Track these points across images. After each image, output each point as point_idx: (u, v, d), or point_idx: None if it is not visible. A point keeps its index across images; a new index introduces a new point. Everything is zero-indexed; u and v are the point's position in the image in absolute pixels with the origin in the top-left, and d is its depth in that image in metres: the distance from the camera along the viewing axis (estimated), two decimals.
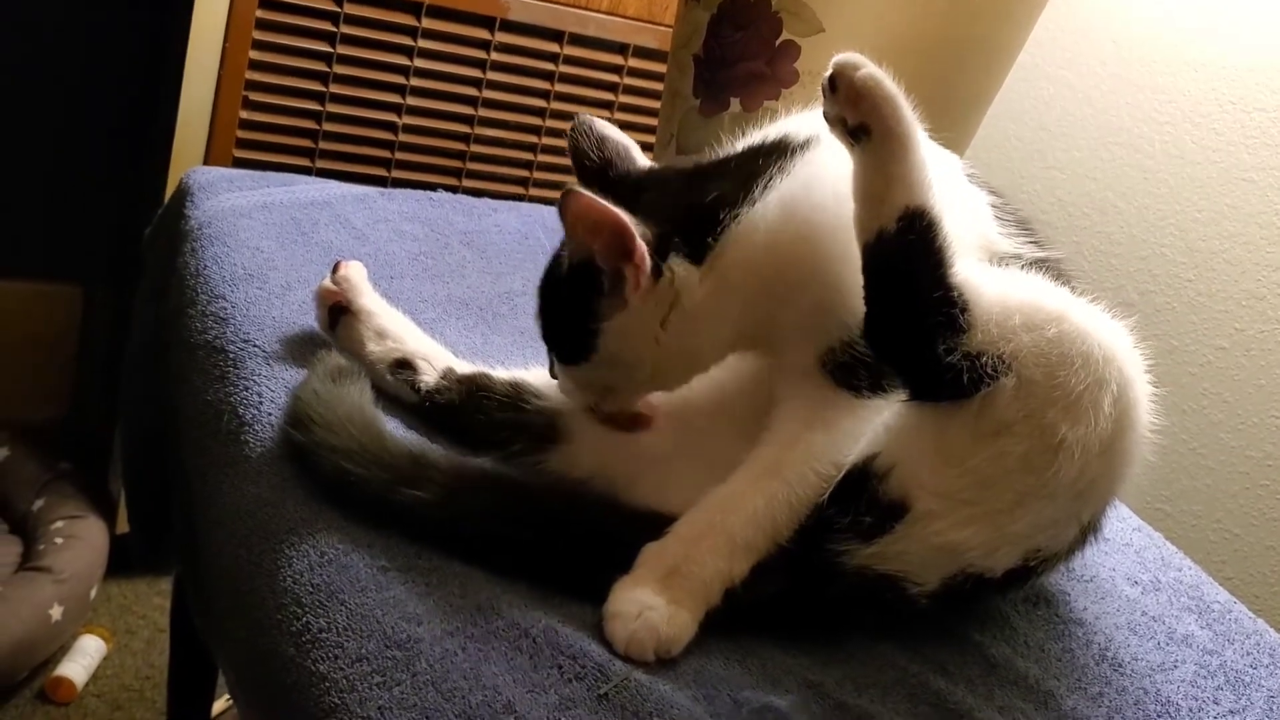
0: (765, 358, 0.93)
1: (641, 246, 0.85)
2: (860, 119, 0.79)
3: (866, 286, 0.82)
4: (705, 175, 0.92)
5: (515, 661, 0.76)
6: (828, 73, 0.79)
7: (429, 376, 0.99)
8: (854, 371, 0.86)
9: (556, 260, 0.93)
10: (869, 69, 0.78)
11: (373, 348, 1.00)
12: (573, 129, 0.95)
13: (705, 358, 0.92)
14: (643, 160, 0.96)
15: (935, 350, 0.81)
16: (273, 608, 0.79)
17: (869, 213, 0.81)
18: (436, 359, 1.01)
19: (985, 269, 0.87)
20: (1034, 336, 0.81)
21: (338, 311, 1.02)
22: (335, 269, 1.04)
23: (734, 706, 0.78)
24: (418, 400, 0.99)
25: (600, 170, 0.94)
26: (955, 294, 0.81)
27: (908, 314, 0.82)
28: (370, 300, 1.02)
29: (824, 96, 0.80)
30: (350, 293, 1.02)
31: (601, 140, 0.95)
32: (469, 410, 0.97)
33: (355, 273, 1.03)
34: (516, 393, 0.98)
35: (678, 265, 0.87)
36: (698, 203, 0.89)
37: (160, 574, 2.03)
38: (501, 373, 1.00)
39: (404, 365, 1.00)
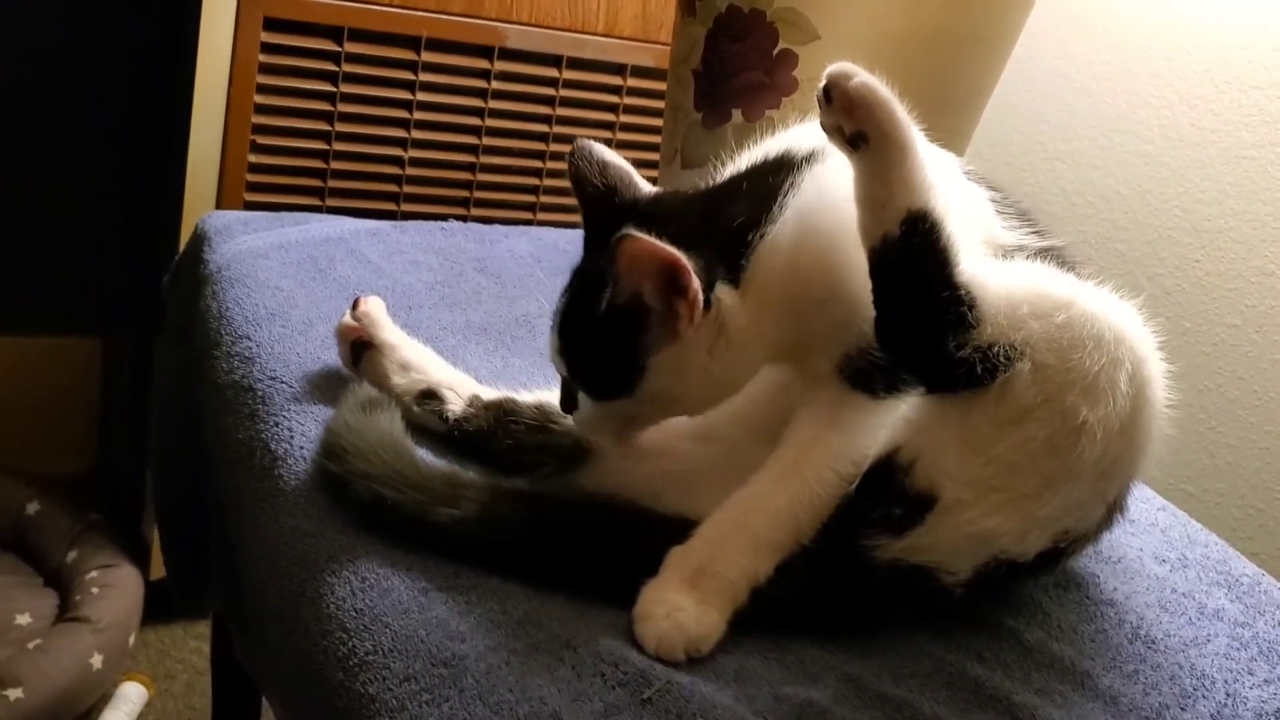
0: (785, 368, 0.94)
1: (696, 283, 0.84)
2: (857, 127, 0.80)
3: (875, 290, 0.83)
4: (722, 198, 0.92)
5: (559, 672, 0.78)
6: (821, 83, 0.81)
7: (455, 405, 1.00)
8: (870, 376, 0.87)
9: (583, 297, 0.90)
10: (862, 77, 0.79)
11: (398, 380, 1.01)
12: (572, 155, 0.95)
13: (742, 379, 0.92)
14: (643, 184, 0.96)
15: (946, 348, 0.82)
16: (318, 634, 0.81)
17: (872, 218, 0.82)
18: (462, 387, 1.02)
19: (990, 263, 0.89)
20: (1043, 324, 0.83)
21: (360, 347, 1.03)
22: (355, 305, 1.05)
23: (775, 703, 0.80)
24: (446, 429, 1.00)
25: (605, 196, 0.93)
26: (962, 292, 0.82)
27: (917, 315, 0.83)
28: (391, 334, 1.03)
29: (820, 107, 0.82)
30: (371, 328, 1.03)
31: (604, 166, 0.94)
32: (498, 436, 0.98)
33: (375, 308, 1.04)
34: (543, 415, 0.99)
35: (723, 293, 0.87)
36: (727, 228, 0.89)
37: (195, 618, 2.05)
38: (526, 396, 1.02)
39: (430, 396, 1.01)
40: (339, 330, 1.04)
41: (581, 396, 0.92)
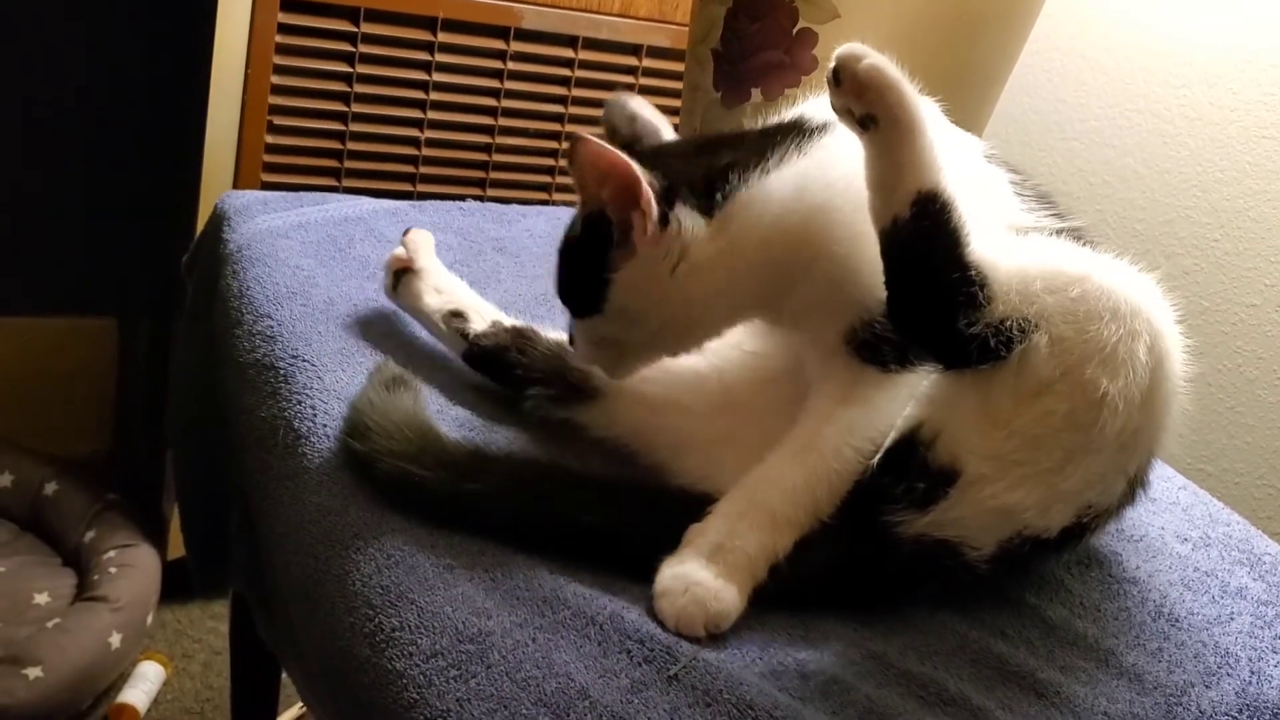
0: (791, 335, 0.95)
1: (648, 192, 0.87)
2: (866, 109, 0.80)
3: (886, 271, 0.83)
4: (720, 143, 0.95)
5: (584, 649, 0.78)
6: (831, 65, 0.80)
7: (478, 325, 1.05)
8: (878, 348, 0.88)
9: (572, 219, 0.95)
10: (871, 59, 0.79)
11: (429, 300, 1.07)
12: (608, 104, 0.99)
13: (712, 319, 0.94)
14: (670, 137, 0.99)
15: (957, 326, 0.82)
16: (344, 611, 0.81)
17: (882, 200, 0.82)
18: (486, 311, 1.07)
19: (1003, 241, 0.88)
20: (1058, 298, 0.83)
21: (401, 274, 1.09)
22: (406, 233, 1.11)
23: (801, 680, 0.80)
24: (465, 345, 1.04)
25: (628, 144, 0.96)
26: (973, 272, 0.82)
27: (928, 296, 0.83)
28: (431, 261, 1.10)
29: (829, 89, 0.81)
30: (415, 253, 1.09)
31: (633, 118, 0.98)
32: (511, 353, 1.02)
33: (423, 238, 1.11)
34: (560, 348, 1.02)
35: (685, 216, 0.89)
36: (709, 163, 0.91)
37: (213, 598, 2.06)
38: (550, 332, 1.05)
39: (457, 315, 1.06)
40: (388, 261, 1.10)
41: (575, 327, 0.96)
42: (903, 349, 0.87)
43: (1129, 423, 0.84)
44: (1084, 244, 0.92)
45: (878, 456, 0.86)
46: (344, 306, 1.12)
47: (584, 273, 0.92)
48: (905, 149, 0.80)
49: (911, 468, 0.85)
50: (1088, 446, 0.84)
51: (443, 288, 1.08)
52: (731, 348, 1.05)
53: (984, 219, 0.85)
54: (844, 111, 0.81)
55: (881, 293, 0.84)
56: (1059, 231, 0.93)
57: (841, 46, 0.80)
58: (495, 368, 1.03)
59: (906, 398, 0.88)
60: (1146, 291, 0.87)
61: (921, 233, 0.81)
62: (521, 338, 1.03)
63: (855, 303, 0.87)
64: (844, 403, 0.88)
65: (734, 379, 0.99)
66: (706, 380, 0.99)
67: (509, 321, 1.06)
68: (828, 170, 0.89)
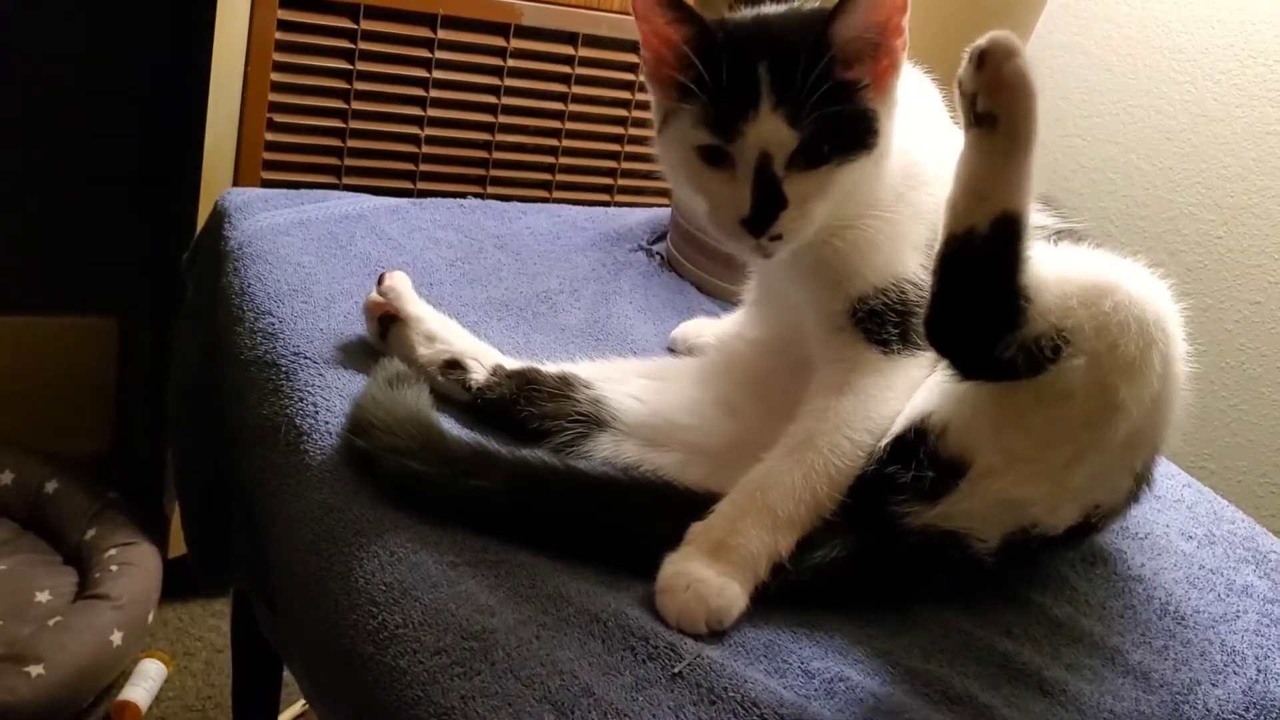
0: (801, 298, 0.94)
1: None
2: (991, 107, 0.76)
3: (937, 275, 0.81)
4: None
5: (588, 646, 0.78)
6: (980, 44, 0.75)
7: (479, 375, 1.01)
8: (882, 323, 0.88)
9: (796, 53, 0.82)
10: (1020, 60, 0.75)
11: (423, 351, 1.02)
12: None
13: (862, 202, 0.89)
14: None
15: (995, 347, 0.81)
16: (347, 608, 0.81)
17: (966, 205, 0.79)
18: (485, 357, 1.03)
19: (1043, 250, 0.86)
20: (1091, 311, 0.83)
21: (387, 321, 1.04)
22: (380, 280, 1.06)
23: (806, 678, 0.80)
24: (469, 398, 1.01)
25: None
26: (1022, 300, 0.80)
27: (976, 315, 0.81)
28: (417, 306, 1.05)
29: (965, 65, 0.76)
30: (397, 301, 1.04)
31: None
32: (519, 403, 0.99)
33: (400, 282, 1.06)
34: (565, 384, 1.00)
35: None
36: None
37: (214, 596, 2.06)
38: (549, 366, 1.03)
39: (454, 366, 1.02)
40: (367, 306, 1.06)
41: (792, 187, 0.84)
42: (906, 326, 0.87)
43: (1137, 423, 0.85)
44: (1083, 244, 0.92)
45: (885, 441, 0.86)
46: (345, 303, 1.11)
47: (853, 103, 0.84)
48: (1011, 164, 0.77)
49: (920, 457, 0.85)
50: (1097, 445, 0.85)
51: (434, 334, 1.03)
52: (734, 338, 1.05)
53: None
54: (968, 96, 0.77)
55: (894, 272, 0.85)
56: (1060, 232, 0.93)
57: (998, 33, 0.75)
58: (504, 423, 0.99)
59: (907, 388, 0.88)
60: (1163, 298, 0.87)
61: (992, 252, 0.79)
62: (526, 384, 1.00)
63: (876, 269, 0.88)
64: (840, 393, 0.88)
65: (734, 383, 0.99)
66: (704, 390, 1.00)
67: (509, 364, 1.03)
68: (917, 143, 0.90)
